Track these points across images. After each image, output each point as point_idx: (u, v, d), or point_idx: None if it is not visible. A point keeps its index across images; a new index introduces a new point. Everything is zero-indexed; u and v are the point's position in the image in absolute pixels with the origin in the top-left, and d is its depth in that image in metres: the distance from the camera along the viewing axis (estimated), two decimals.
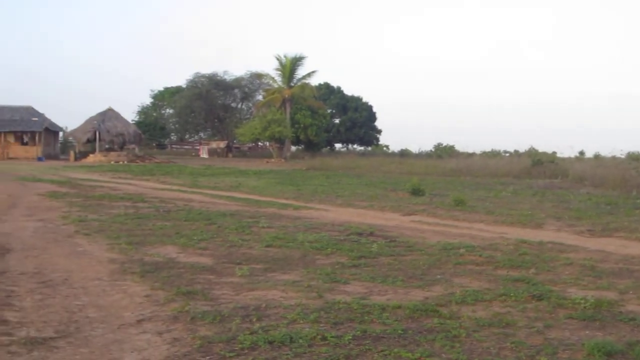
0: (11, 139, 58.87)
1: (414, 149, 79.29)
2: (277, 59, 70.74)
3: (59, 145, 70.20)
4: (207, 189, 26.81)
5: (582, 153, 57.19)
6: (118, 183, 29.38)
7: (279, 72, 70.92)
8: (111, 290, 8.46)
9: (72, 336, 6.49)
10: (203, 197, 22.93)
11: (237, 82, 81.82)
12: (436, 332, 6.66)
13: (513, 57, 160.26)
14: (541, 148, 51.85)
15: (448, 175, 40.72)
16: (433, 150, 73.86)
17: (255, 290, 8.45)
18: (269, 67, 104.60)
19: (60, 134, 70.27)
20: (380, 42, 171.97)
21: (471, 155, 58.14)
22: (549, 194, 26.09)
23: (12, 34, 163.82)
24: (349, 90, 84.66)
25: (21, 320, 7.00)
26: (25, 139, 59.36)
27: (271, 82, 73.03)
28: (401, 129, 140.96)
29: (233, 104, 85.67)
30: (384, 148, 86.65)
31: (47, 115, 62.04)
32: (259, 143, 78.58)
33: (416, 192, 24.20)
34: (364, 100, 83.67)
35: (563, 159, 47.87)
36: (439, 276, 9.61)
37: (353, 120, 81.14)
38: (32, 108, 61.30)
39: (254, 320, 6.96)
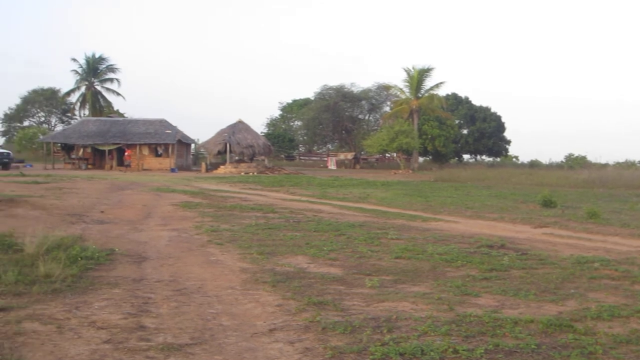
0: (146, 151, 60.91)
1: (544, 159, 77.95)
2: (405, 71, 70.97)
3: (191, 156, 72.30)
4: (336, 200, 26.96)
5: None
6: (248, 194, 29.94)
7: (407, 84, 70.95)
8: (244, 299, 8.64)
9: (206, 343, 6.68)
10: (332, 208, 23.10)
11: (365, 94, 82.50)
12: (571, 348, 6.49)
13: None
14: None
15: (580, 186, 39.51)
16: (564, 161, 72.26)
17: (386, 302, 8.45)
18: (397, 79, 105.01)
19: (192, 146, 72.42)
20: (508, 50, 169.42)
21: (604, 166, 56.41)
22: None
23: (148, 52, 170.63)
24: (477, 101, 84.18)
25: (158, 327, 7.25)
26: (159, 150, 61.28)
27: (399, 93, 73.04)
28: (531, 139, 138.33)
29: (360, 116, 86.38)
30: (513, 159, 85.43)
31: (180, 128, 64.01)
32: (387, 154, 78.67)
33: (547, 204, 23.64)
34: (493, 110, 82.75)
35: None
36: (572, 290, 9.34)
37: (481, 130, 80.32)
38: (166, 121, 63.28)
39: (385, 331, 6.98)
